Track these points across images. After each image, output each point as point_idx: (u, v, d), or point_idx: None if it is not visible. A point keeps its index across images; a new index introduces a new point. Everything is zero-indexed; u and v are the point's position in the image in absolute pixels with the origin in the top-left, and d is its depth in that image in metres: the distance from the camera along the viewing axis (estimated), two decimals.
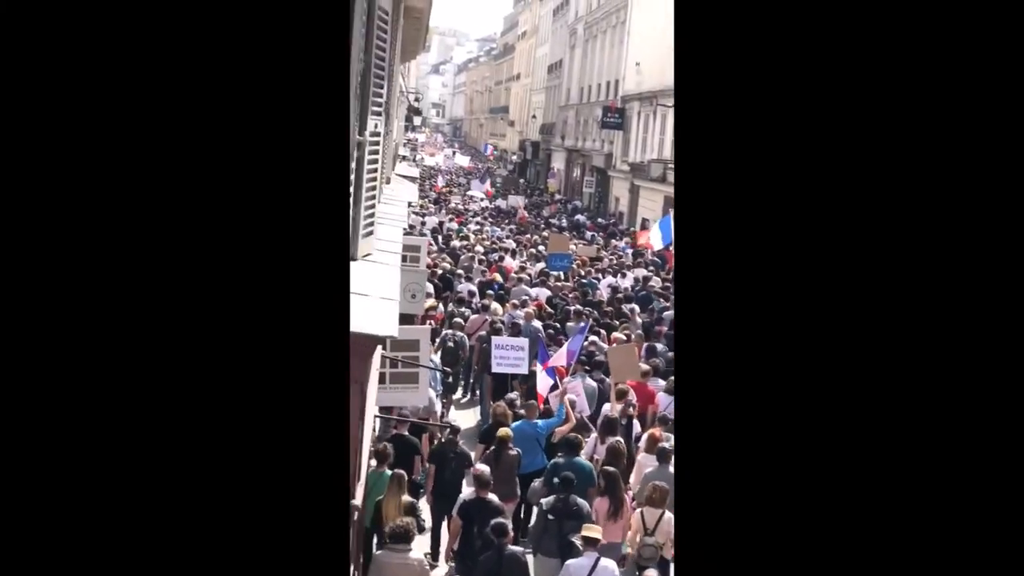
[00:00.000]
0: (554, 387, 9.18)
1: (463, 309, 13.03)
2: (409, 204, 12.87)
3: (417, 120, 48.00)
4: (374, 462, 7.07)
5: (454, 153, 55.88)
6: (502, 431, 7.82)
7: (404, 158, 24.41)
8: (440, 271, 15.44)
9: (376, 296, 4.42)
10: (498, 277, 15.89)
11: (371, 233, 5.35)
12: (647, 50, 32.24)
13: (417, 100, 47.12)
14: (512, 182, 40.86)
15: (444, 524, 7.66)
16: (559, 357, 9.58)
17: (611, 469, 7.28)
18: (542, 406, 8.73)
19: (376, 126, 5.09)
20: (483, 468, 7.11)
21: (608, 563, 6.17)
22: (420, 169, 31.03)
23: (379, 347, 4.09)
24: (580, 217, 31.11)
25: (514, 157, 56.82)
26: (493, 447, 7.77)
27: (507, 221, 26.91)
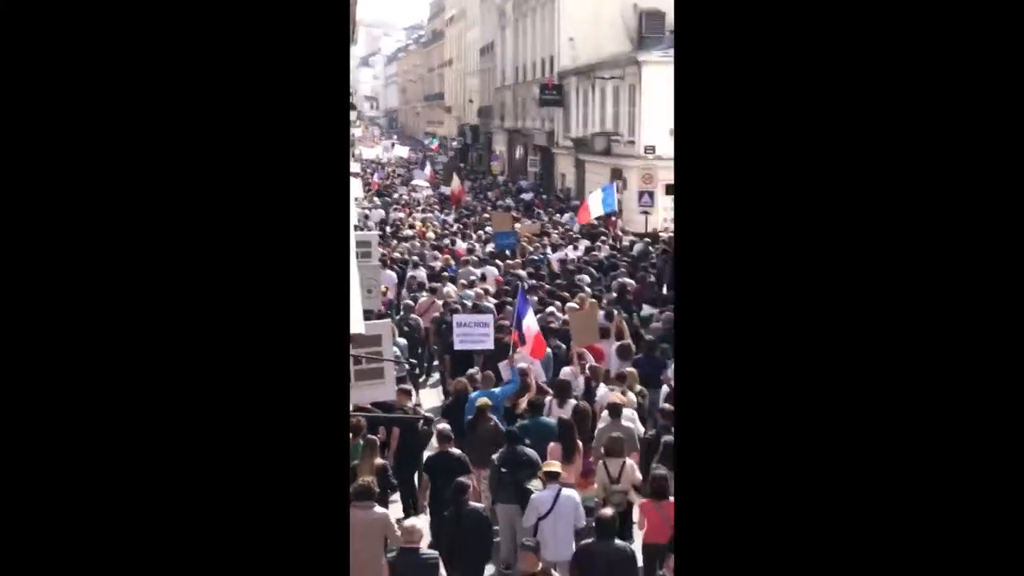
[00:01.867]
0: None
1: (419, 294, 13.30)
2: (355, 200, 13.04)
3: (352, 115, 47.66)
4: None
5: (392, 145, 55.64)
6: (480, 401, 8.19)
7: None
8: (391, 261, 15.69)
9: None
10: (451, 260, 16.17)
11: None
12: (579, 24, 32.46)
13: (349, 95, 46.78)
14: (453, 167, 40.99)
15: (415, 480, 8.29)
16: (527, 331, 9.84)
17: (565, 419, 7.76)
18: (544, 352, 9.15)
19: None
20: (444, 425, 7.72)
21: (570, 492, 6.67)
22: (360, 164, 30.95)
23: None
24: (526, 196, 31.35)
25: (454, 143, 56.80)
26: (472, 417, 8.14)
27: (453, 207, 27.11)
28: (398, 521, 6.52)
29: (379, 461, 7.36)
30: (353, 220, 9.59)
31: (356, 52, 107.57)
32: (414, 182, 33.95)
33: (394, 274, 14.70)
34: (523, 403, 8.64)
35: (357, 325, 4.17)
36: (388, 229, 20.59)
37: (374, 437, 7.61)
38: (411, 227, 21.24)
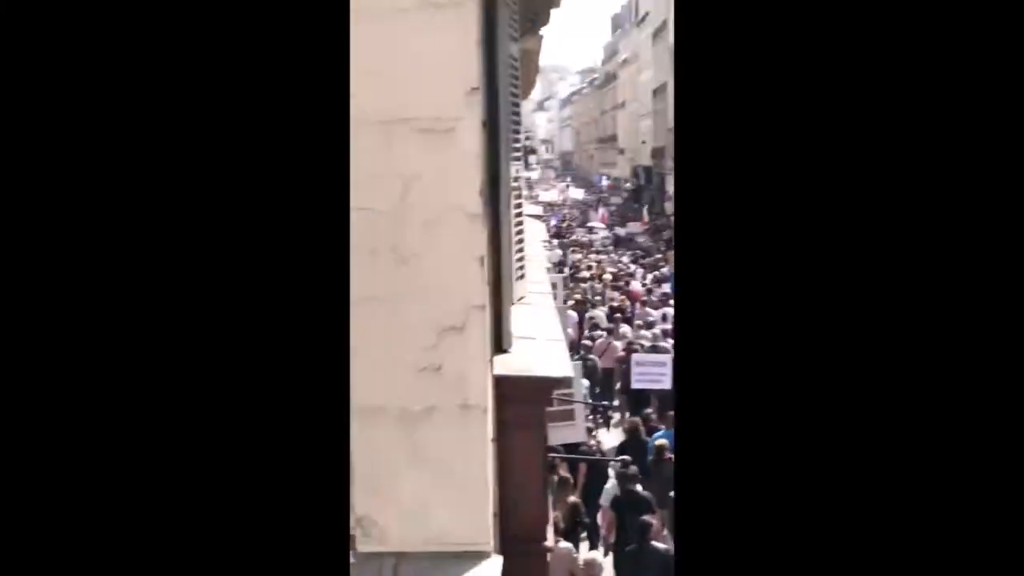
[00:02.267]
0: None
1: (598, 334, 13.77)
2: (541, 243, 13.72)
3: (532, 159, 49.17)
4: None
5: (567, 187, 56.77)
6: (659, 441, 8.47)
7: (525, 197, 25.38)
8: (573, 302, 16.28)
9: (542, 338, 4.56)
10: (626, 301, 16.57)
11: (523, 276, 5.86)
12: None
13: (528, 139, 48.43)
14: (628, 209, 41.39)
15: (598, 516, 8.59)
16: None
17: None
18: None
19: (517, 171, 5.53)
20: (629, 464, 8.03)
21: None
22: (541, 206, 31.98)
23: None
24: None
25: (627, 184, 57.15)
26: (653, 458, 8.45)
27: (629, 248, 27.49)
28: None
29: (571, 499, 7.73)
30: (544, 264, 10.18)
31: (533, 96, 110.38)
32: (589, 223, 34.61)
33: (576, 315, 15.25)
34: None
35: (565, 367, 4.53)
36: (567, 271, 21.25)
37: (567, 475, 8.02)
38: (588, 268, 21.80)
